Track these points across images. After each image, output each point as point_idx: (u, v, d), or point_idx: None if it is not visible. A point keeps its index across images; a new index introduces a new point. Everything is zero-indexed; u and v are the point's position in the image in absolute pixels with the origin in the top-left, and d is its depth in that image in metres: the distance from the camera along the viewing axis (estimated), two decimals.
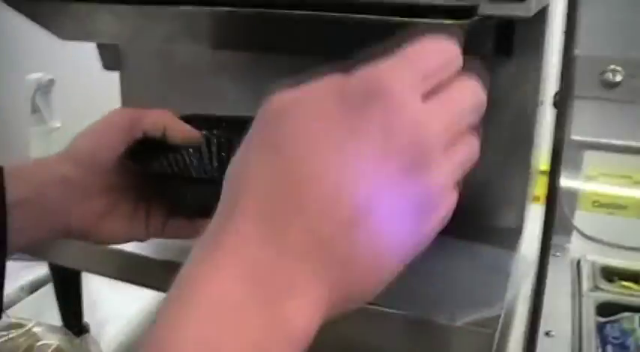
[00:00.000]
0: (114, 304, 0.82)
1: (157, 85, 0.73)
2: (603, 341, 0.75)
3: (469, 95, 0.31)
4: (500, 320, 0.53)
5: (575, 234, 0.94)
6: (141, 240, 0.54)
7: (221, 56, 0.73)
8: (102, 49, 0.66)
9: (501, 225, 0.71)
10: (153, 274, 0.63)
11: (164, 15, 0.56)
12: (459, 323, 0.51)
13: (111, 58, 0.66)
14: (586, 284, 0.87)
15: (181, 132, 0.53)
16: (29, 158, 0.51)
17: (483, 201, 0.67)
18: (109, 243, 0.55)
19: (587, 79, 0.39)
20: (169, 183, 0.52)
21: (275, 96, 0.30)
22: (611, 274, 0.90)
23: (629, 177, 1.49)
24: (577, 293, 0.85)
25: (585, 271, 0.90)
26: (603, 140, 0.37)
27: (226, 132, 0.57)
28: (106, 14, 0.57)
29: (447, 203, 0.30)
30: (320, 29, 0.53)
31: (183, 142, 0.53)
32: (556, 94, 0.43)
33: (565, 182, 0.88)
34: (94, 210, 0.51)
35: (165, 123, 0.52)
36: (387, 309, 0.53)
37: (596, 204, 1.48)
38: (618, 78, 0.38)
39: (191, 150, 0.56)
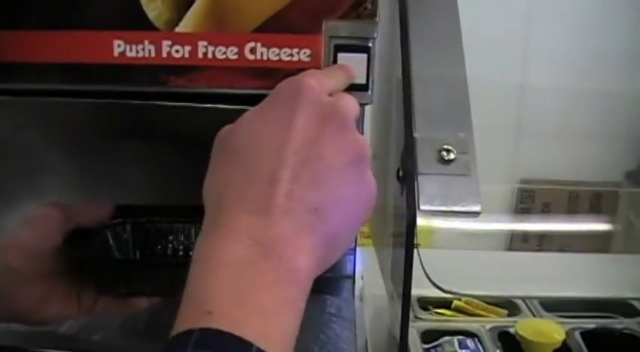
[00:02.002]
0: None
1: None
2: None
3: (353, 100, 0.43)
4: None
5: None
6: (73, 318, 0.60)
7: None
8: None
9: (336, 273, 0.79)
10: None
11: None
12: None
13: None
14: (394, 316, 0.96)
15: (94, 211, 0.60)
16: None
17: None
18: (46, 324, 0.58)
19: (426, 157, 0.48)
20: (96, 265, 0.58)
21: (222, 130, 0.41)
22: (426, 303, 1.02)
23: None
24: (390, 326, 0.95)
25: (393, 304, 1.00)
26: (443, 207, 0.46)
27: (140, 217, 0.63)
28: None
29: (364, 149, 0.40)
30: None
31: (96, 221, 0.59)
32: (398, 170, 0.51)
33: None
34: (34, 294, 0.55)
35: (91, 212, 0.59)
36: None
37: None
38: (452, 156, 0.47)
39: (110, 235, 0.61)
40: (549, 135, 2.05)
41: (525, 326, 0.67)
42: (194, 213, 0.61)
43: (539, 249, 2.04)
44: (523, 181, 2.14)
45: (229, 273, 0.34)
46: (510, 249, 2.05)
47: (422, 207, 0.46)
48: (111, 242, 0.60)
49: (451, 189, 0.47)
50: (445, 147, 0.48)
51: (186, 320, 0.33)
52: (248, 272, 0.34)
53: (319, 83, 0.41)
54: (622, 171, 2.07)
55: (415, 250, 0.49)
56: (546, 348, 0.67)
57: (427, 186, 0.46)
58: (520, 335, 0.66)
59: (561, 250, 1.91)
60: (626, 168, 2.07)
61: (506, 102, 2.00)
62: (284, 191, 0.36)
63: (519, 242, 2.06)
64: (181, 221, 0.64)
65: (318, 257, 0.37)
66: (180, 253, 0.64)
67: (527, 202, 2.14)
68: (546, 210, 2.14)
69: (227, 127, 0.41)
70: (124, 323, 0.65)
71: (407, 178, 0.48)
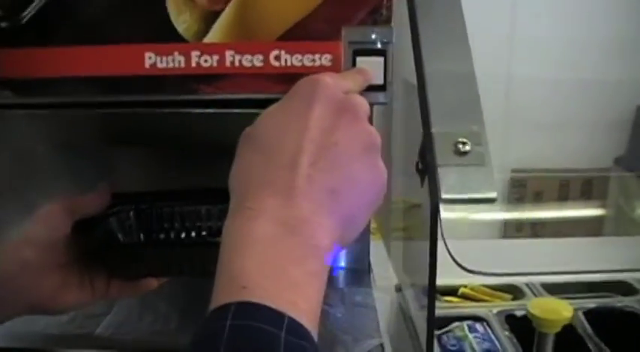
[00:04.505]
0: None
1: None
2: (444, 350, 0.89)
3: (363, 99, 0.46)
4: (384, 347, 0.63)
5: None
6: (89, 304, 0.61)
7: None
8: None
9: (352, 266, 0.83)
10: None
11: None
12: None
13: None
14: (412, 305, 1.00)
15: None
16: None
17: None
18: (63, 312, 0.61)
19: (443, 150, 0.51)
20: (104, 252, 0.60)
21: (246, 128, 0.45)
22: None
23: None
24: (408, 314, 0.98)
25: (408, 293, 1.03)
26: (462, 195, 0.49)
27: (142, 203, 0.64)
28: None
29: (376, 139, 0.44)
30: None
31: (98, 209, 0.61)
32: (417, 163, 0.55)
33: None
34: (50, 285, 0.57)
35: (93, 201, 0.60)
36: None
37: None
38: (467, 148, 0.51)
39: (114, 221, 0.62)
40: (538, 125, 2.10)
41: (536, 305, 0.71)
42: (196, 197, 0.65)
43: (534, 236, 2.09)
44: (514, 171, 2.18)
45: (260, 251, 0.37)
46: (505, 237, 2.09)
47: (443, 196, 0.49)
48: (116, 228, 0.62)
49: (468, 178, 0.50)
50: (460, 140, 0.51)
51: (223, 294, 0.36)
52: (276, 249, 0.37)
53: (334, 80, 0.45)
54: (611, 157, 2.13)
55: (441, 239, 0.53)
56: (556, 324, 0.70)
57: (447, 176, 0.50)
58: (531, 313, 0.70)
59: (555, 236, 1.96)
60: (615, 154, 2.12)
61: (494, 94, 2.04)
62: (303, 175, 0.40)
63: (513, 230, 2.11)
64: (183, 205, 0.66)
65: (337, 236, 0.40)
66: (183, 235, 0.66)
67: (519, 192, 2.19)
68: (538, 198, 2.18)
69: (249, 126, 0.45)
70: (157, 322, 0.68)
71: (427, 170, 0.51)
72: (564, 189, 2.17)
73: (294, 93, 0.45)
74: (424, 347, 0.62)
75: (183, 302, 0.71)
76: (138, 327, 0.68)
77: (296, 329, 0.34)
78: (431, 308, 0.57)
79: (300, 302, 0.36)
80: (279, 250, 0.37)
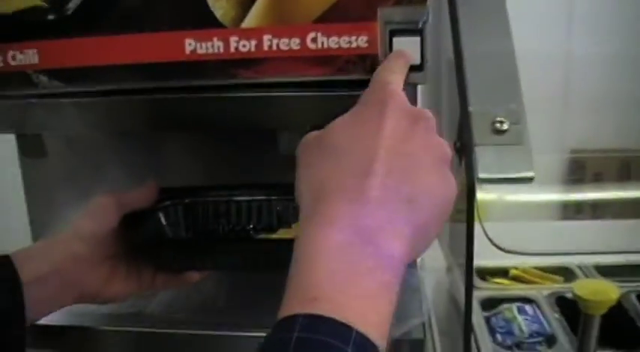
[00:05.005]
0: None
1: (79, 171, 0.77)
2: (492, 332, 0.88)
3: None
4: (425, 327, 0.64)
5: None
6: (136, 294, 0.65)
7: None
8: (22, 138, 0.69)
9: None
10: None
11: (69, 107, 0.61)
12: (395, 335, 0.61)
13: (33, 147, 0.69)
14: (460, 286, 0.99)
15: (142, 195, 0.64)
16: None
17: None
18: (111, 302, 0.64)
19: (481, 129, 0.51)
20: (152, 246, 0.63)
21: (307, 135, 0.45)
22: (483, 273, 1.05)
23: None
24: (455, 295, 0.98)
25: (456, 274, 1.02)
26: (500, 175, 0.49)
27: (189, 198, 0.67)
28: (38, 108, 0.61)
29: (446, 151, 0.45)
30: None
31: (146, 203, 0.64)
32: (455, 142, 0.55)
33: None
34: (99, 277, 0.61)
35: (141, 196, 0.64)
36: None
37: None
38: (505, 126, 0.50)
39: (162, 215, 0.65)
40: (597, 104, 2.04)
41: (581, 286, 0.70)
42: (242, 192, 0.67)
43: (594, 218, 2.03)
44: (573, 151, 2.13)
45: (331, 260, 0.37)
46: (564, 219, 2.04)
47: (480, 175, 0.49)
48: (164, 223, 0.65)
49: (506, 157, 0.50)
50: (498, 119, 0.51)
51: (292, 303, 0.36)
52: (349, 258, 0.37)
53: (399, 86, 0.46)
54: None
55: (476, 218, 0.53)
56: (601, 306, 0.69)
57: (484, 155, 0.50)
58: (576, 295, 0.69)
59: (615, 218, 1.90)
60: None
61: (553, 73, 1.99)
62: (379, 183, 0.39)
63: (573, 213, 2.06)
64: (229, 199, 0.67)
65: (410, 245, 0.39)
66: (228, 230, 0.67)
67: (578, 172, 2.13)
68: (598, 178, 2.13)
69: (312, 133, 0.46)
70: (206, 301, 0.70)
71: (464, 149, 0.51)
72: (625, 169, 2.10)
73: (364, 103, 0.45)
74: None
75: (230, 281, 0.72)
76: (186, 306, 0.70)
77: (363, 343, 0.34)
78: (468, 292, 0.57)
79: (370, 315, 0.36)
80: (352, 259, 0.37)
